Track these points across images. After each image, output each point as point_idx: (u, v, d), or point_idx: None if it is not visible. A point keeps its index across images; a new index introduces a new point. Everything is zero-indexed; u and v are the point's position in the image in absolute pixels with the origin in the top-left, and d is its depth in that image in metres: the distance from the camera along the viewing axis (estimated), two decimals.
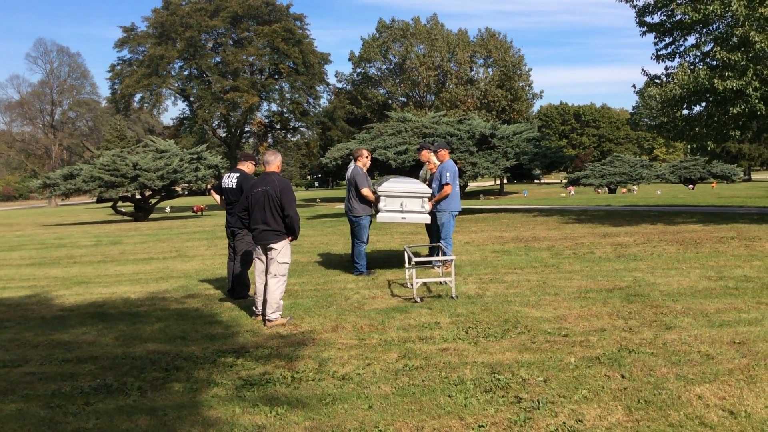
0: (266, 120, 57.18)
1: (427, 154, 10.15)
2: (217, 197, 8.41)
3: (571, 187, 56.62)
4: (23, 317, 7.57)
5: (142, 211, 28.34)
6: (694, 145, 14.73)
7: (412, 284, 8.17)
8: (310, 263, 11.08)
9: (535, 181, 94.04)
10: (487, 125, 20.17)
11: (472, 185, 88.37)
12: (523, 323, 6.35)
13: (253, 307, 7.13)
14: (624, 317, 6.43)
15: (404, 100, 66.72)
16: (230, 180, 8.18)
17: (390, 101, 65.11)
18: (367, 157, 9.46)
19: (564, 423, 3.96)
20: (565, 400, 4.33)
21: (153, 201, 29.09)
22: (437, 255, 9.31)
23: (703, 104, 14.94)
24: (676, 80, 13.81)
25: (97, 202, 27.05)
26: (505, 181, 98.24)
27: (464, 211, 22.94)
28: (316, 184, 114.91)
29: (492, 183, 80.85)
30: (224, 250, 13.77)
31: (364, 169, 9.33)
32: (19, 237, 20.88)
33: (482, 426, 3.96)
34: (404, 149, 19.17)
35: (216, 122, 52.55)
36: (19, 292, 9.32)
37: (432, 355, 5.45)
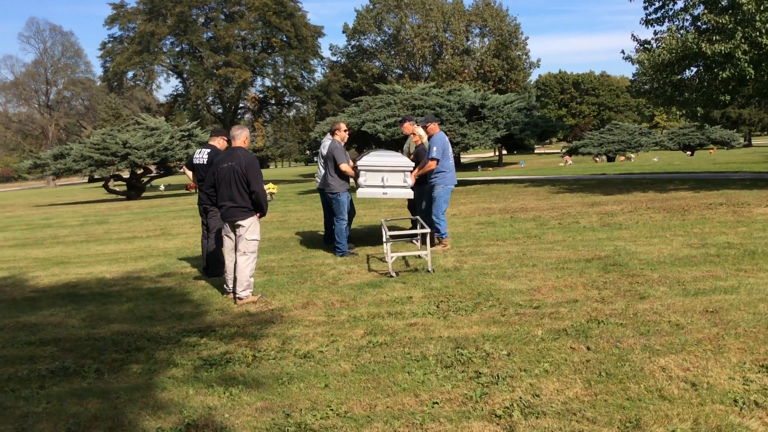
0: (260, 95, 56.70)
1: (410, 127, 9.83)
2: (190, 174, 8.26)
3: (567, 157, 56.41)
4: None
5: (134, 190, 28.20)
6: (683, 111, 14.52)
7: (390, 257, 8.07)
8: (292, 239, 10.98)
9: (535, 152, 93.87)
10: (477, 95, 19.92)
11: (471, 156, 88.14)
12: (496, 296, 6.24)
13: (225, 285, 7.03)
14: (598, 287, 6.32)
15: (400, 72, 66.13)
16: (201, 156, 8.02)
17: (385, 74, 64.51)
18: (345, 130, 9.16)
19: (520, 398, 3.86)
20: (526, 374, 4.23)
21: (145, 179, 28.93)
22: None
23: (693, 69, 14.70)
24: (663, 45, 13.56)
25: (89, 181, 26.89)
26: (504, 152, 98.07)
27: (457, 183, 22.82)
28: (315, 159, 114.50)
29: (491, 154, 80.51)
30: None
31: (342, 143, 9.10)
32: (8, 218, 20.79)
33: (436, 403, 3.86)
34: (393, 122, 18.96)
35: (210, 99, 52.14)
36: None
37: (398, 331, 5.35)
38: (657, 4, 15.79)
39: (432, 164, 8.86)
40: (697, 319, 5.13)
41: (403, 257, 8.38)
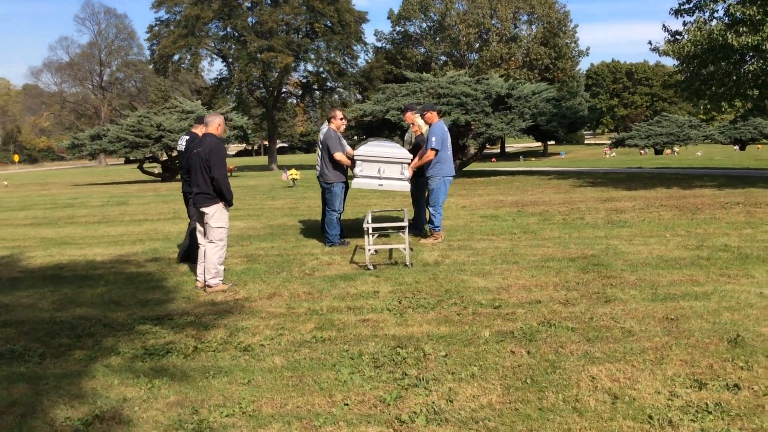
0: (303, 80, 56.89)
1: (411, 116, 9.67)
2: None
3: (607, 149, 55.26)
4: None
5: (168, 171, 28.65)
6: (708, 105, 14.02)
7: (375, 250, 8.02)
8: (293, 227, 10.97)
9: (585, 142, 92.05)
10: (504, 84, 19.59)
11: (518, 146, 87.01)
12: (461, 294, 6.13)
13: (197, 275, 7.05)
14: (568, 288, 6.15)
15: (445, 59, 65.56)
16: (181, 143, 8.07)
17: (430, 61, 64.01)
18: (341, 118, 8.91)
19: (432, 403, 3.77)
20: (451, 377, 4.14)
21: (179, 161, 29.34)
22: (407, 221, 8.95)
23: (722, 62, 14.12)
24: (688, 37, 13.09)
25: (125, 162, 27.42)
26: (552, 141, 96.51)
27: (482, 174, 22.57)
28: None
29: (538, 144, 79.38)
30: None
31: (339, 132, 8.90)
32: (40, 196, 21.34)
33: (347, 404, 3.80)
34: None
35: (253, 83, 52.48)
36: None
37: (348, 327, 5.29)
38: None
39: (431, 154, 8.60)
40: (652, 327, 4.94)
41: (390, 250, 8.27)
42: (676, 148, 53.78)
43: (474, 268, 7.18)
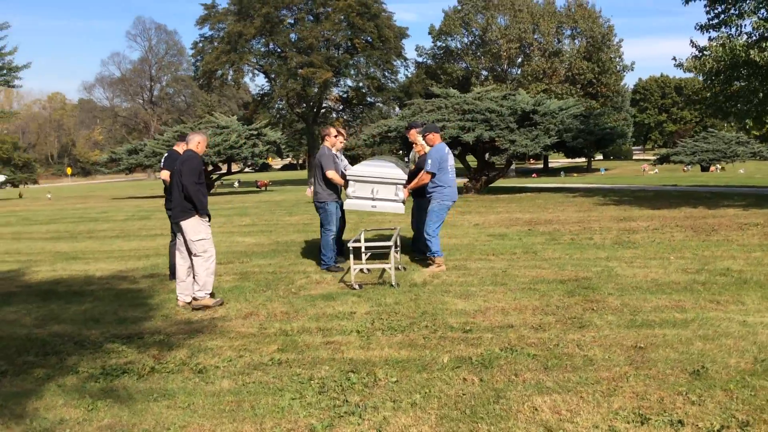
0: (343, 95, 57.35)
1: (414, 134, 9.51)
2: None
3: (646, 165, 54.12)
4: None
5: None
6: (732, 124, 13.59)
7: (366, 269, 7.99)
8: (298, 244, 10.96)
9: (633, 158, 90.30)
10: (530, 100, 19.37)
11: (563, 161, 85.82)
12: (437, 316, 6.02)
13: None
14: (546, 313, 5.99)
15: (486, 74, 65.26)
16: (162, 160, 8.17)
17: (470, 76, 63.77)
18: (335, 136, 8.73)
19: None
20: (392, 405, 4.05)
21: (214, 176, 29.78)
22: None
23: (746, 79, 13.70)
24: (711, 52, 12.74)
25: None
26: (599, 156, 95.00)
27: (508, 190, 22.30)
28: (406, 159, 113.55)
29: (582, 160, 78.22)
30: (236, 227, 13.91)
31: (335, 149, 8.79)
32: (74, 210, 21.85)
33: None
34: (441, 126, 18.69)
35: (293, 98, 53.09)
36: (4, 267, 9.68)
37: (309, 349, 5.25)
38: (719, 9, 14.85)
39: (425, 178, 8.31)
40: (617, 355, 4.77)
41: (382, 270, 8.18)
42: (718, 165, 52.37)
43: (459, 289, 7.06)
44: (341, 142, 8.93)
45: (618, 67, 67.23)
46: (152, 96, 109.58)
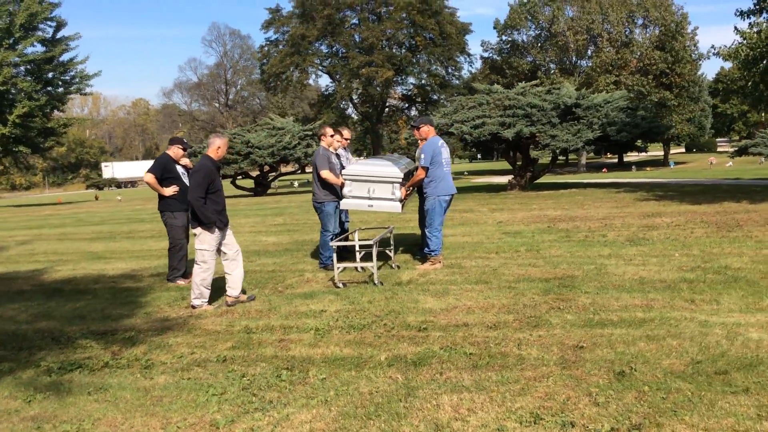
0: (406, 93, 57.45)
1: (417, 132, 9.43)
2: None
3: (712, 158, 51.86)
4: None
5: (260, 186, 29.74)
6: None
7: (360, 268, 8.08)
8: (310, 243, 11.07)
9: (717, 150, 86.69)
10: (573, 94, 18.97)
11: (640, 155, 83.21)
12: (401, 315, 6.06)
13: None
14: (510, 312, 5.94)
15: (553, 67, 64.02)
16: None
17: (536, 70, 62.71)
18: (332, 135, 8.72)
19: (258, 428, 3.80)
20: (303, 402, 4.15)
21: (270, 177, 30.40)
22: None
23: None
24: (745, 39, 12.18)
25: (222, 178, 28.68)
26: (681, 149, 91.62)
27: (554, 186, 21.89)
28: (479, 156, 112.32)
29: (659, 153, 75.82)
30: (266, 227, 14.21)
31: (331, 149, 8.83)
32: (133, 211, 22.73)
33: (179, 427, 3.89)
34: (481, 122, 18.57)
35: (356, 98, 53.59)
36: (32, 266, 10.26)
37: (259, 347, 5.39)
38: None
39: (420, 173, 8.30)
40: (552, 355, 4.72)
41: (378, 267, 8.24)
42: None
43: (439, 288, 7.06)
44: (339, 141, 8.95)
45: (693, 55, 64.76)
46: (227, 99, 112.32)
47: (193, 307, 6.83)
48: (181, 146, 8.31)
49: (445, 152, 8.54)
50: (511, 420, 3.70)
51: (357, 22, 53.07)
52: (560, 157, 22.69)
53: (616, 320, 5.47)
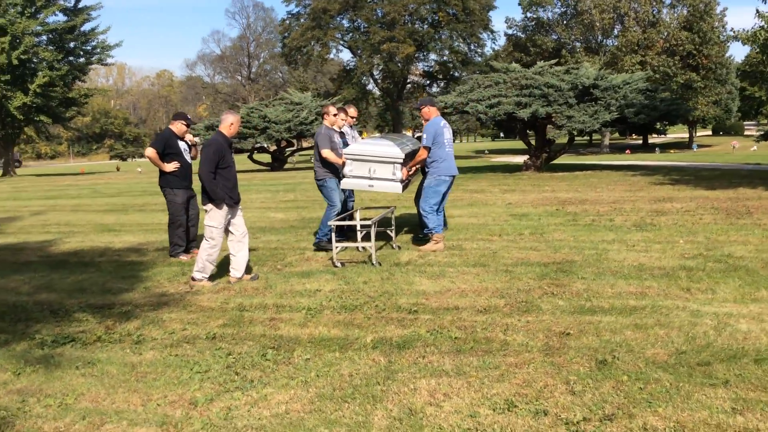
0: (428, 70, 57.03)
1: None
2: None
3: (735, 142, 50.99)
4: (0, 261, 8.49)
5: (277, 162, 29.81)
6: None
7: (363, 248, 8.10)
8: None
9: (745, 133, 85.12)
10: (592, 74, 18.70)
11: (672, 136, 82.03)
12: (393, 296, 6.07)
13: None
14: (503, 296, 5.93)
15: (578, 45, 63.09)
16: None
17: (561, 48, 61.85)
18: (335, 114, 8.67)
19: (235, 407, 3.85)
20: (284, 382, 4.20)
21: (287, 152, 30.45)
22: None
23: None
24: (765, 23, 11.90)
25: (235, 153, 28.75)
26: (708, 132, 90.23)
27: (570, 168, 21.69)
28: (501, 135, 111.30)
29: (684, 135, 74.75)
30: (276, 203, 14.27)
31: (336, 127, 8.80)
32: (148, 183, 22.86)
33: (158, 405, 3.95)
34: (497, 102, 18.40)
35: (377, 73, 53.37)
36: (42, 237, 10.42)
37: (249, 325, 5.44)
38: None
39: (422, 153, 8.27)
40: (537, 341, 4.71)
41: (380, 247, 8.28)
42: None
43: (436, 270, 7.05)
44: (343, 120, 8.94)
45: (722, 37, 63.44)
46: (250, 73, 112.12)
47: (193, 279, 6.87)
48: (184, 122, 8.30)
49: (447, 132, 8.49)
50: (485, 406, 3.71)
51: None
52: (584, 138, 22.45)
53: (607, 307, 5.44)
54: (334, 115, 8.71)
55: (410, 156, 8.49)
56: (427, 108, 8.49)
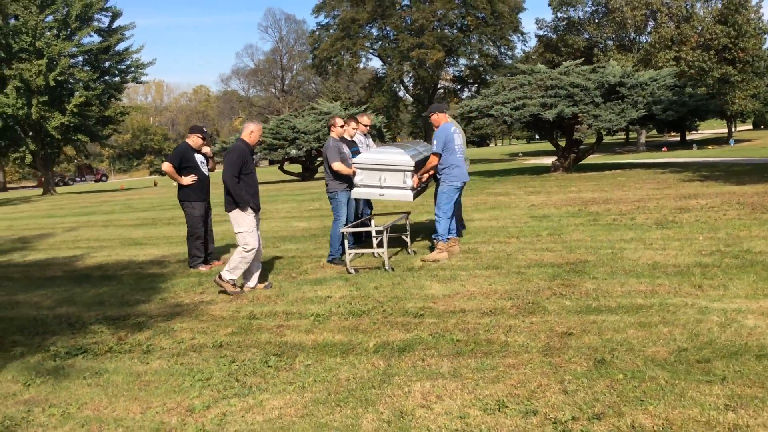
0: (458, 74, 56.93)
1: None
2: None
3: None
4: (25, 276, 8.74)
5: (308, 171, 30.05)
6: None
7: (378, 254, 8.12)
8: None
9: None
10: (618, 72, 18.49)
11: (708, 132, 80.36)
12: (402, 301, 6.10)
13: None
14: (511, 298, 5.91)
15: (610, 43, 62.37)
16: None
17: (593, 47, 61.20)
18: (342, 126, 8.61)
19: (230, 413, 3.91)
20: (282, 388, 4.26)
21: (317, 162, 30.66)
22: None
23: None
24: None
25: (269, 164, 29.12)
26: (749, 126, 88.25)
27: (599, 167, 21.44)
28: (537, 137, 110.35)
29: (722, 131, 73.24)
30: (300, 212, 14.39)
31: (346, 136, 8.76)
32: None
33: (157, 412, 4.03)
34: (522, 104, 18.30)
35: (408, 80, 53.46)
36: (71, 252, 10.70)
37: (258, 332, 5.52)
38: None
39: (433, 160, 8.19)
40: (537, 342, 4.69)
41: (395, 253, 8.32)
42: None
43: (448, 273, 7.05)
44: (354, 129, 8.96)
45: (758, 29, 61.99)
46: (284, 85, 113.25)
47: (220, 276, 6.90)
48: (200, 135, 8.45)
49: (459, 138, 8.42)
50: (475, 408, 3.71)
51: (407, 3, 52.86)
52: (620, 137, 22.14)
53: (614, 306, 5.39)
54: (341, 126, 8.68)
55: (422, 163, 8.47)
56: (435, 115, 8.46)
